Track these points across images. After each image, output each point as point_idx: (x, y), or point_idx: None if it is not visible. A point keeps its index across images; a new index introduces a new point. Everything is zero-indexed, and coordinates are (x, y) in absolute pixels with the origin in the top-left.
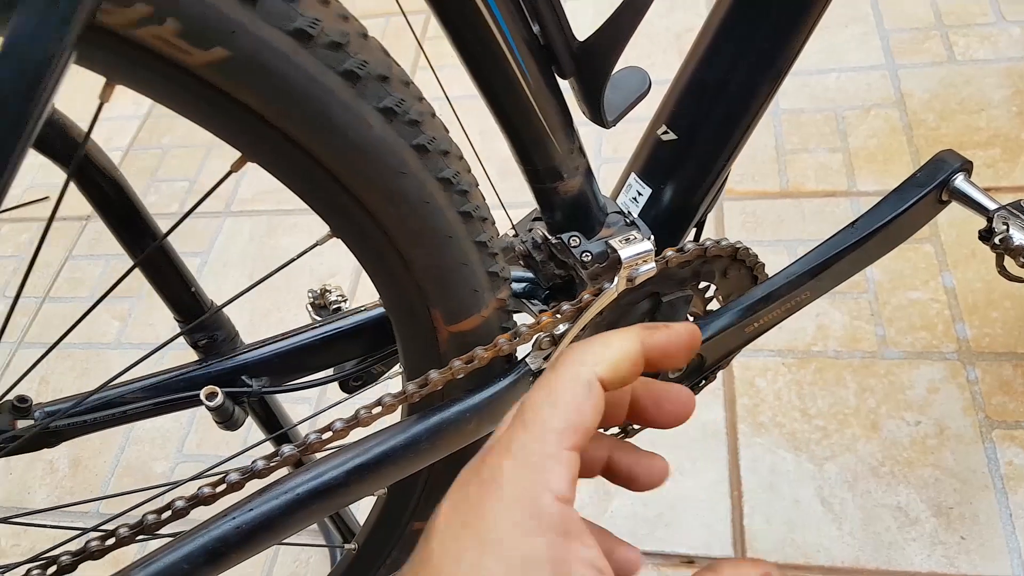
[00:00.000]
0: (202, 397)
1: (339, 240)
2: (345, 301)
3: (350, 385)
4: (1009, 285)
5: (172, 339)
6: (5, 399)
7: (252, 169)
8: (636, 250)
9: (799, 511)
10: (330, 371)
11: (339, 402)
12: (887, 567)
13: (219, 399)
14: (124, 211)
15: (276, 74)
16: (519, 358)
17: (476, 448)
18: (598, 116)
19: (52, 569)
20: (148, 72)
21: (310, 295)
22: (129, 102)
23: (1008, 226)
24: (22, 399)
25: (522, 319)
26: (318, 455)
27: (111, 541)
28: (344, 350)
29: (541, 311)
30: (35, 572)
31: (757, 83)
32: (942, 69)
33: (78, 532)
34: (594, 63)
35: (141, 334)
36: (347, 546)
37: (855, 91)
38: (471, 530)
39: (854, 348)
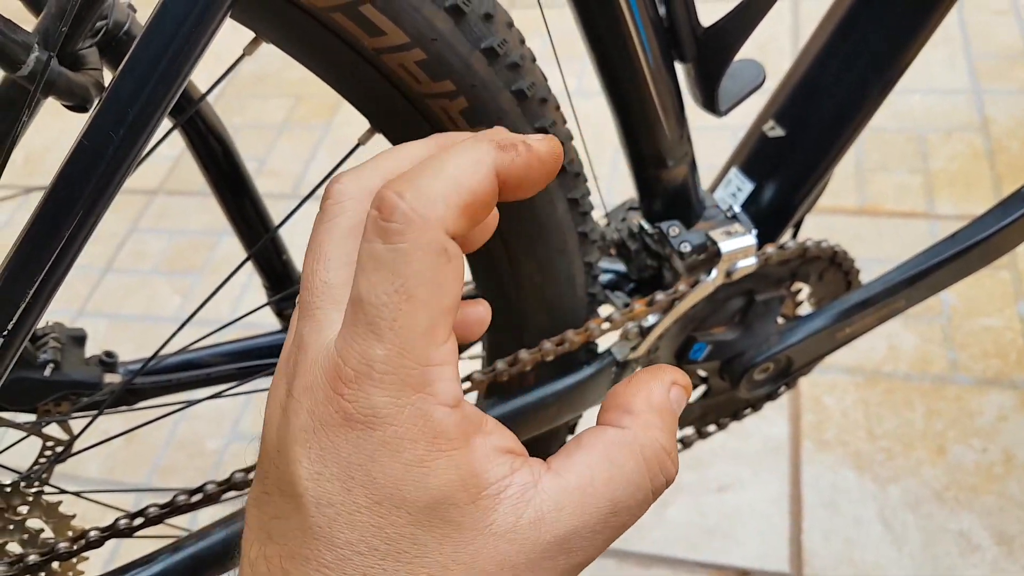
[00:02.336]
0: None
1: None
2: None
3: None
4: None
5: (263, 305)
6: (93, 355)
7: (323, 154)
8: (738, 244)
9: (859, 530)
10: None
11: None
12: None
13: None
14: (227, 167)
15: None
16: (602, 348)
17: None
18: (711, 104)
19: (139, 520)
20: (309, 39)
21: None
22: (200, 81)
23: None
24: (109, 354)
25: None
26: None
27: (199, 497)
28: None
29: (625, 304)
30: (123, 522)
31: (870, 85)
32: None
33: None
34: (716, 50)
35: (203, 309)
36: None
37: (939, 113)
38: (363, 489)
39: (924, 371)
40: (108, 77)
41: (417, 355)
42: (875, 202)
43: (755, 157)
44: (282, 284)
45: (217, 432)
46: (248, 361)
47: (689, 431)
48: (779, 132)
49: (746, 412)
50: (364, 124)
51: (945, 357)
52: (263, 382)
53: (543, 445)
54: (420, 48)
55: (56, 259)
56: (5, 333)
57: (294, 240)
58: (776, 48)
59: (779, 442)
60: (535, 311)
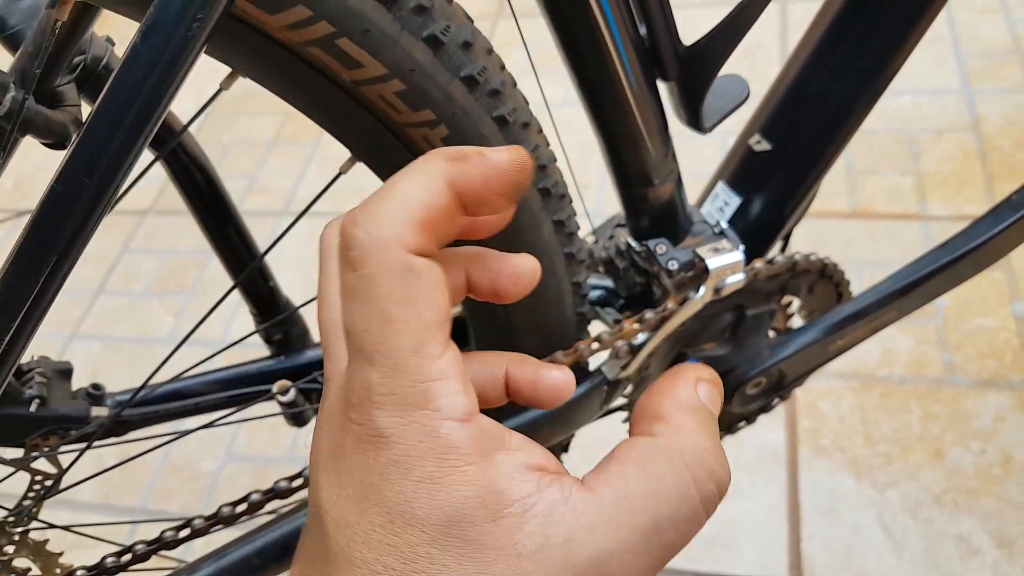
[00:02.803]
0: (274, 391)
1: None
2: None
3: None
4: None
5: (251, 334)
6: (80, 388)
7: (313, 170)
8: (725, 260)
9: (859, 537)
10: None
11: None
12: None
13: (291, 394)
14: (209, 196)
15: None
16: (593, 367)
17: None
18: (696, 121)
19: (127, 557)
20: (285, 72)
21: None
22: (190, 98)
23: None
24: (96, 387)
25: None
26: None
27: (186, 532)
28: None
29: (616, 320)
30: (110, 559)
31: (857, 97)
32: (1019, 96)
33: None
34: (699, 68)
35: (195, 332)
36: None
37: (929, 114)
38: (376, 508)
39: (920, 374)
40: (87, 112)
41: (411, 373)
42: (867, 205)
43: (742, 171)
44: (269, 310)
45: (211, 455)
46: (238, 388)
47: None
48: (765, 146)
49: (741, 425)
50: None
51: (940, 359)
52: (254, 410)
53: None
54: (399, 79)
55: (35, 299)
56: None
57: (282, 264)
58: (764, 56)
59: (776, 449)
60: (524, 332)
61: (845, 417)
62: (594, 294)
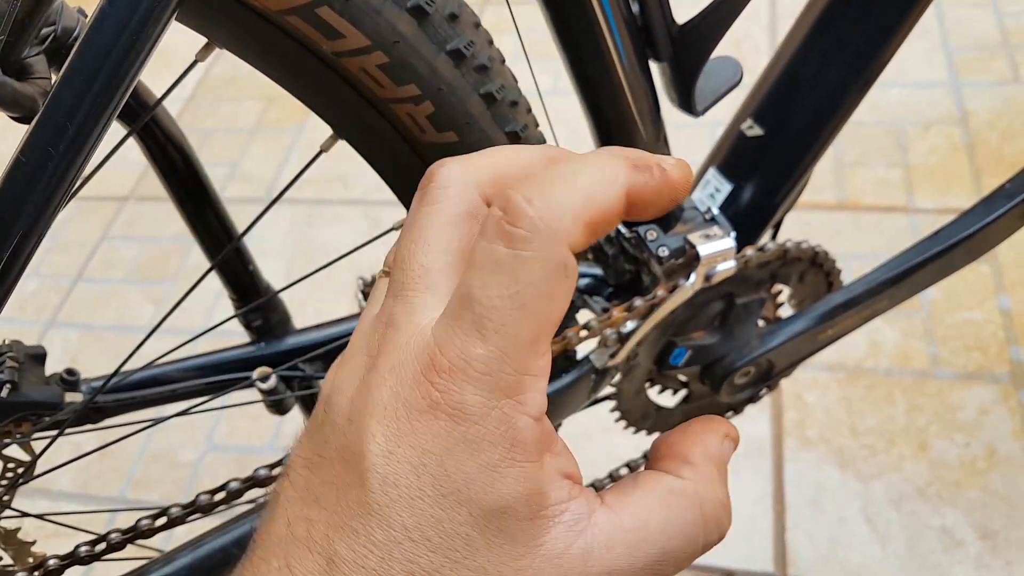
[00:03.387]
0: (254, 377)
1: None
2: None
3: None
4: None
5: (230, 318)
6: (53, 372)
7: (295, 157)
8: (716, 247)
9: (843, 529)
10: None
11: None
12: None
13: (272, 381)
14: (187, 178)
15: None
16: (581, 355)
17: None
18: (688, 104)
19: (102, 546)
20: (263, 43)
21: (360, 283)
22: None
23: None
24: (71, 371)
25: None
26: None
27: (162, 520)
28: None
29: (604, 308)
30: (84, 549)
31: (849, 82)
32: (1007, 89)
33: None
34: (692, 48)
35: (174, 318)
36: None
37: (917, 107)
38: (432, 479)
39: (906, 366)
40: None
41: (517, 362)
42: (854, 197)
43: (733, 157)
44: (248, 295)
45: (191, 443)
46: (216, 376)
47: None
48: (757, 131)
49: (728, 415)
50: None
51: (926, 352)
52: (234, 398)
53: None
54: (382, 51)
55: None
56: None
57: (263, 249)
58: (752, 46)
59: (761, 441)
60: None
61: (831, 409)
62: (582, 282)
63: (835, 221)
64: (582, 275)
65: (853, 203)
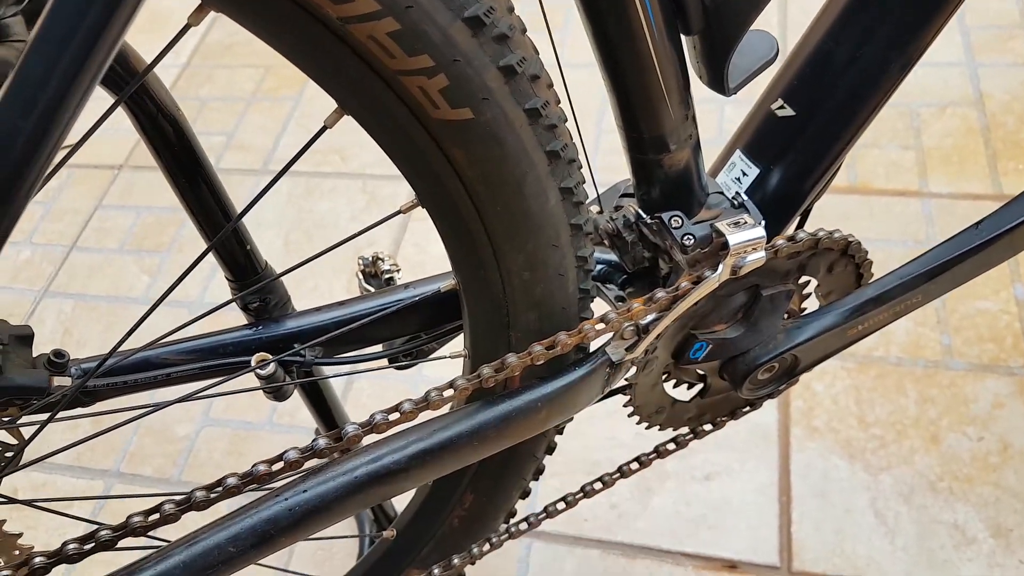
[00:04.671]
0: (253, 364)
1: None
2: (398, 271)
3: (400, 361)
4: None
5: (227, 303)
6: (41, 354)
7: (293, 127)
8: (747, 236)
9: (850, 521)
10: (378, 347)
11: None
12: None
13: (271, 368)
14: (181, 151)
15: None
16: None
17: (531, 444)
18: (719, 82)
19: (90, 544)
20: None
21: (361, 263)
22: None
23: None
24: (58, 353)
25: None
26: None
27: (155, 517)
28: (406, 324)
29: (618, 297)
30: (72, 546)
31: (890, 61)
32: None
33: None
34: (727, 22)
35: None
36: (384, 533)
37: (932, 88)
38: None
39: (917, 356)
40: None
41: None
42: (866, 180)
43: (761, 139)
44: (246, 275)
45: (187, 418)
46: (213, 360)
47: (684, 430)
48: (788, 112)
49: (745, 410)
50: (331, 100)
51: (939, 342)
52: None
53: (530, 446)
54: (393, 17)
55: None
56: None
57: (260, 219)
58: (760, 21)
59: (767, 429)
60: (523, 309)
61: (839, 398)
62: (596, 268)
63: (846, 204)
64: (596, 261)
65: (864, 187)
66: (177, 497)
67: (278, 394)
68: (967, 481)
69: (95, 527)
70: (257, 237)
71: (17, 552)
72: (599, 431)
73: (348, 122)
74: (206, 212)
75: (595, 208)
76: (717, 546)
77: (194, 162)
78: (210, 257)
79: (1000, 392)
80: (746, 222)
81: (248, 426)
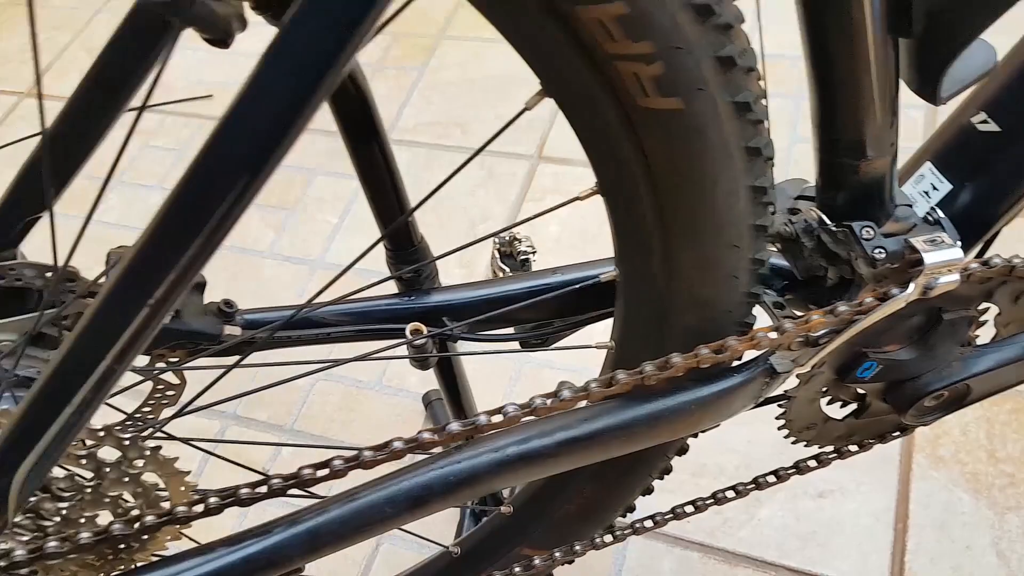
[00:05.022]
0: (408, 333)
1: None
2: (534, 253)
3: (535, 344)
4: None
5: (387, 279)
6: (211, 302)
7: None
8: (944, 256)
9: (970, 558)
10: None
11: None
12: None
13: (423, 339)
14: (362, 118)
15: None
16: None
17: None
18: (931, 89)
19: (262, 489)
20: None
21: (498, 242)
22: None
23: None
24: (228, 303)
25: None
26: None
27: (324, 472)
28: (551, 309)
29: (776, 303)
30: (244, 491)
31: None
32: None
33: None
34: (956, 29)
35: (293, 247)
36: (501, 509)
37: None
38: None
39: None
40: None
41: None
42: None
43: (957, 153)
44: (403, 246)
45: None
46: (367, 324)
47: (828, 449)
48: (992, 127)
49: (895, 435)
50: (456, 72)
51: None
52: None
53: (663, 445)
54: (624, 1)
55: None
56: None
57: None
58: None
59: (889, 452)
60: (683, 309)
61: (969, 428)
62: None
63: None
64: (760, 262)
65: None
66: (347, 454)
67: (424, 363)
68: None
69: (262, 476)
70: None
71: (184, 488)
72: (736, 436)
73: (469, 95)
74: (378, 181)
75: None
76: (823, 565)
77: (373, 130)
78: (332, 215)
79: None
80: (944, 241)
81: (359, 384)
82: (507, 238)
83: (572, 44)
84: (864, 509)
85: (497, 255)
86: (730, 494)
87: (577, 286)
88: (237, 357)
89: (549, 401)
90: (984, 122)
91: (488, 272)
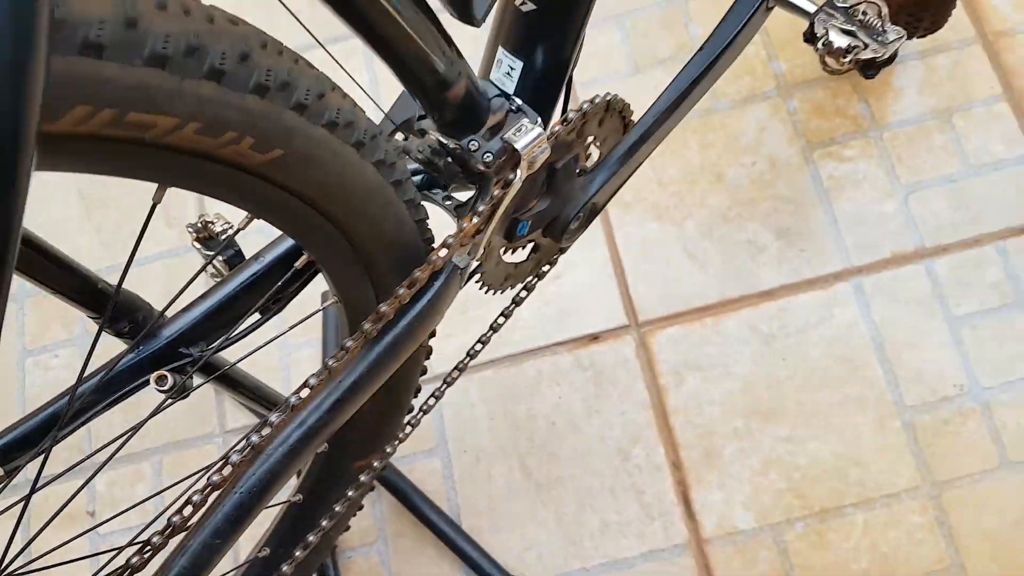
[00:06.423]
0: (153, 384)
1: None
2: (231, 226)
3: (268, 309)
4: None
5: (104, 343)
6: None
7: None
8: (530, 138)
9: (671, 268)
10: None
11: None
12: (748, 292)
13: (169, 381)
14: None
15: None
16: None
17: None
18: (468, 14)
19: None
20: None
21: (191, 230)
22: None
23: (827, 31)
24: None
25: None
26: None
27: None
28: (264, 290)
29: (445, 198)
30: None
31: None
32: None
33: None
34: None
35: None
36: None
37: None
38: None
39: (692, 110)
40: None
41: None
42: None
43: (517, 35)
44: (99, 304)
45: None
46: (116, 392)
47: (530, 277)
48: (531, 6)
49: (566, 248)
50: None
51: None
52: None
53: (416, 357)
54: (195, 121)
55: None
56: None
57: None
58: None
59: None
60: (379, 257)
61: (639, 170)
62: (417, 178)
63: None
64: (416, 173)
65: None
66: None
67: (182, 395)
68: (750, 203)
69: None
70: (49, 202)
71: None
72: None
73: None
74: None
75: (400, 137)
76: (580, 327)
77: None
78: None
79: (761, 117)
80: (527, 126)
81: None
82: (199, 224)
83: (179, 158)
84: (590, 272)
85: (198, 244)
86: (479, 347)
87: (275, 265)
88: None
89: (302, 394)
90: (523, 3)
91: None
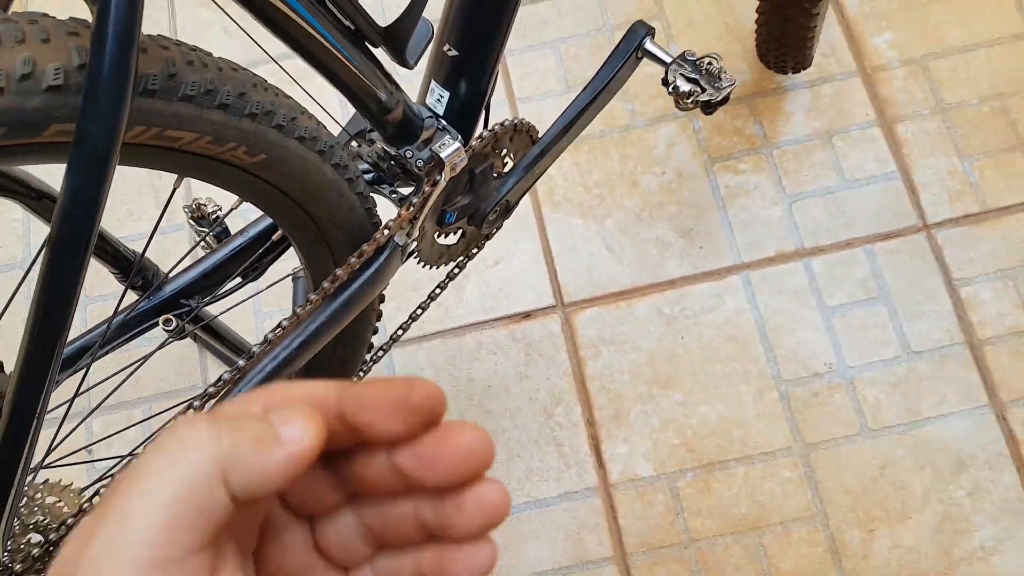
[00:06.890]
0: (161, 325)
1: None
2: (220, 209)
3: (248, 275)
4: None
5: (128, 301)
6: None
7: None
8: (451, 150)
9: (593, 259)
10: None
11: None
12: (656, 280)
13: (174, 323)
14: None
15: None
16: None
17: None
18: (403, 62)
19: None
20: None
21: (187, 211)
22: None
23: (676, 78)
24: None
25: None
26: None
27: None
28: (249, 256)
29: (392, 191)
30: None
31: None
32: None
33: None
34: (396, 35)
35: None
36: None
37: None
38: None
39: (613, 126)
40: None
41: None
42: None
43: (445, 72)
44: (126, 267)
45: None
46: (131, 331)
47: (462, 259)
48: (455, 52)
49: (493, 233)
50: None
51: (626, 110)
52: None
53: (367, 316)
54: (208, 135)
55: None
56: None
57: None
58: None
59: (526, 215)
60: (334, 235)
61: (568, 174)
62: (368, 176)
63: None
64: (368, 172)
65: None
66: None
67: (182, 337)
68: (659, 207)
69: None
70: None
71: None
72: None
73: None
74: None
75: (355, 144)
76: (514, 306)
77: None
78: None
79: (671, 134)
80: (449, 142)
81: None
82: (193, 206)
83: (204, 160)
84: (524, 260)
85: (193, 223)
86: (418, 311)
87: (256, 239)
88: None
89: (275, 333)
90: (449, 50)
91: (193, 238)
